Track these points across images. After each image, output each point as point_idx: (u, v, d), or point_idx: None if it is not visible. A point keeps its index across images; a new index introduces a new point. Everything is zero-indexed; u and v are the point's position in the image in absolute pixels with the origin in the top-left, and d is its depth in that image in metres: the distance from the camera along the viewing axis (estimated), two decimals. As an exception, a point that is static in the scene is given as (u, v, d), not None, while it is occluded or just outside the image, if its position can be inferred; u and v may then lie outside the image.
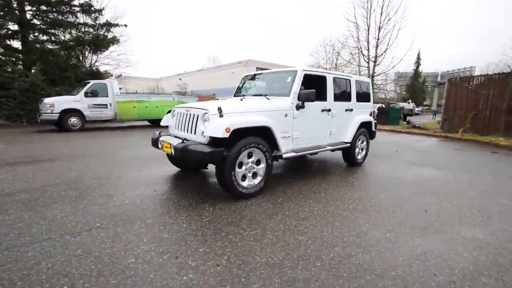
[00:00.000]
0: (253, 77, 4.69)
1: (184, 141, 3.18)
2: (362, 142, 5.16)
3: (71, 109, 9.16)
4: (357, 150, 5.00)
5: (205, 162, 3.10)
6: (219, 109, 3.02)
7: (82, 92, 9.48)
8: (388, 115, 16.91)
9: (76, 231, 2.27)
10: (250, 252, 2.02)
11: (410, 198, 3.35)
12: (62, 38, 14.09)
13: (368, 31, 16.62)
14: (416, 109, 36.30)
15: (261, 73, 4.61)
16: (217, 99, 6.54)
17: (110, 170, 4.29)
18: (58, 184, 3.52)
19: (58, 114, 8.89)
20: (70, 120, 9.17)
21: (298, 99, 3.69)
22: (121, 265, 1.80)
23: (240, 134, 2.99)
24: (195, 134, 3.20)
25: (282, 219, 2.64)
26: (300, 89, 3.72)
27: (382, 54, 16.64)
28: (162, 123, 4.07)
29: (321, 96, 4.15)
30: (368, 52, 16.94)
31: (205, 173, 4.23)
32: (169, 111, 4.01)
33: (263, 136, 3.24)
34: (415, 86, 44.54)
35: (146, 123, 12.68)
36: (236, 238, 2.23)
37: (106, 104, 10.02)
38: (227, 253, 1.99)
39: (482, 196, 3.53)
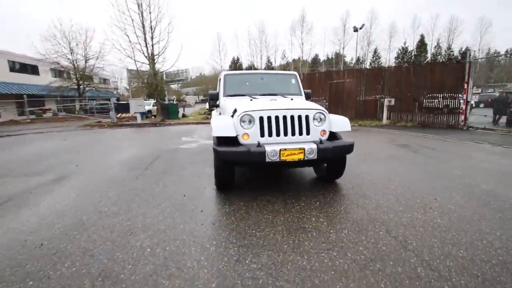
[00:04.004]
0: (242, 77, 4.54)
1: (318, 142, 3.11)
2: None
3: None
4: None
5: (344, 155, 3.34)
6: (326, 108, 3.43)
7: None
8: (168, 110, 18.71)
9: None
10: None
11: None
12: None
13: (144, 28, 16.60)
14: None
15: (254, 73, 4.62)
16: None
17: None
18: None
19: None
20: None
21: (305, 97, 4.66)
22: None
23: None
24: (308, 134, 3.23)
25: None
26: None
27: (158, 54, 17.56)
28: (224, 134, 3.08)
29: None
30: (147, 49, 17.03)
31: (241, 186, 3.82)
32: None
33: None
34: (148, 83, 49.14)
35: None
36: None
37: None
38: (422, 194, 3.20)
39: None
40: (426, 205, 2.89)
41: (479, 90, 24.15)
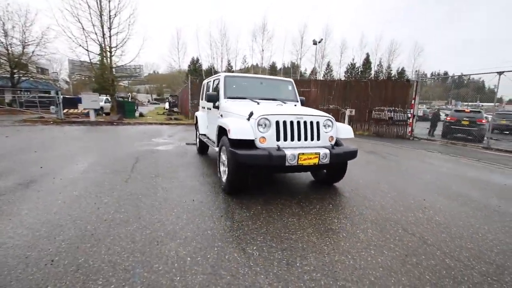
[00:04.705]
0: (242, 80, 4.53)
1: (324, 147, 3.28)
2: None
3: None
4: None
5: (349, 160, 3.50)
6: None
7: None
8: (124, 109, 17.34)
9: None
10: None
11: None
12: None
13: (101, 17, 15.12)
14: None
15: (253, 77, 4.63)
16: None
17: (182, 240, 2.23)
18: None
19: None
20: None
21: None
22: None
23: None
24: (318, 140, 3.39)
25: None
26: (292, 96, 4.87)
27: (117, 46, 16.19)
28: (243, 137, 3.03)
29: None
30: (104, 40, 15.55)
31: (255, 191, 3.80)
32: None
33: None
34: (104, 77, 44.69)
35: None
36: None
37: None
38: (412, 196, 3.62)
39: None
40: (421, 205, 3.28)
41: (424, 106, 27.68)
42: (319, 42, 25.38)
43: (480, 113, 12.00)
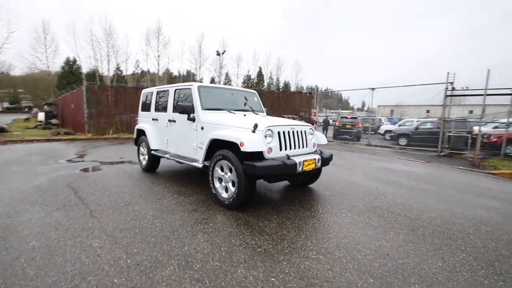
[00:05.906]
0: (215, 91, 4.35)
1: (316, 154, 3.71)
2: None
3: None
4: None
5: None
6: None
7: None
8: None
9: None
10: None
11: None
12: None
13: None
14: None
15: (224, 88, 4.50)
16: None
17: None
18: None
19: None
20: None
21: (265, 114, 5.13)
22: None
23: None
24: (307, 147, 3.79)
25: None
26: (257, 107, 5.14)
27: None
28: (257, 149, 3.04)
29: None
30: None
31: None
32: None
33: None
34: None
35: None
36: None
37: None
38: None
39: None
40: (379, 193, 4.21)
41: (323, 114, 32.88)
42: (223, 53, 26.46)
43: (357, 119, 15.76)
